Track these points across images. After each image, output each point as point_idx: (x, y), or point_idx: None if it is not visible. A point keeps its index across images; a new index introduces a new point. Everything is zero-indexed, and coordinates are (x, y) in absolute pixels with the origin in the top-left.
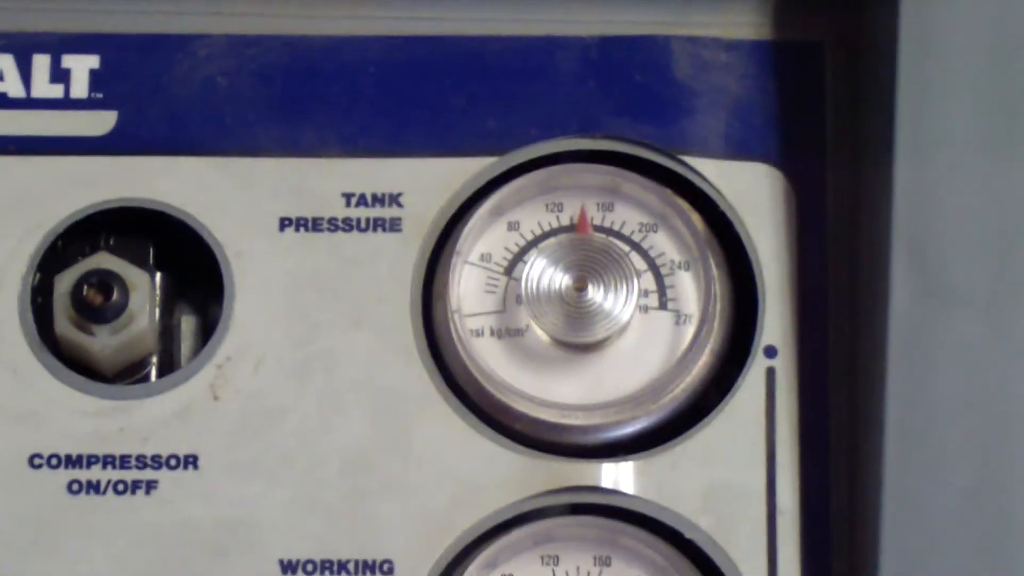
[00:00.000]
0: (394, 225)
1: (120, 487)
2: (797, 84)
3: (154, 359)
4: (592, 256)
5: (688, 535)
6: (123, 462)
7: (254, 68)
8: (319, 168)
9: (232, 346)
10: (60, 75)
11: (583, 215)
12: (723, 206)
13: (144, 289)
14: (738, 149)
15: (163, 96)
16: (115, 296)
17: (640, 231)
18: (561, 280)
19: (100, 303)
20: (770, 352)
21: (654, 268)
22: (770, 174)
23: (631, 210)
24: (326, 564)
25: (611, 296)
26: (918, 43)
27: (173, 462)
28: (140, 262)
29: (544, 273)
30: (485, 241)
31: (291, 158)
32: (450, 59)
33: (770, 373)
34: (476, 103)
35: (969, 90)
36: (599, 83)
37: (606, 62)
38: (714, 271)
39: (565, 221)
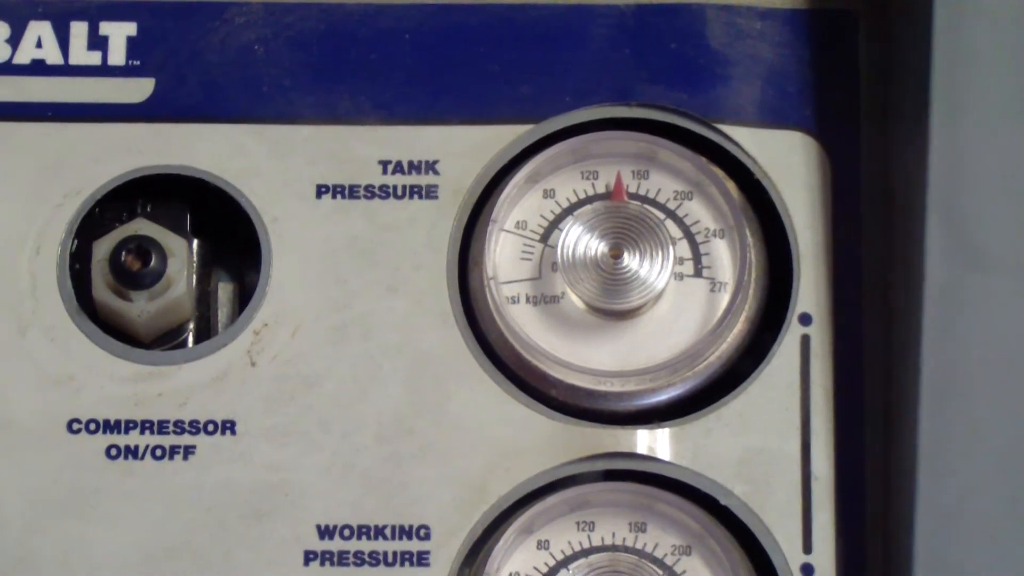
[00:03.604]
0: (430, 192)
1: (158, 452)
2: (831, 52)
3: (191, 325)
4: (627, 223)
5: (723, 501)
6: (161, 427)
7: (291, 35)
8: (356, 135)
9: (269, 312)
10: (98, 42)
11: (618, 182)
12: (758, 174)
13: (181, 255)
14: (773, 117)
15: (200, 63)
16: (153, 262)
17: (675, 199)
18: (597, 247)
19: (138, 269)
20: (805, 319)
21: (689, 236)
22: (805, 142)
23: (666, 178)
24: (363, 529)
25: (646, 263)
26: (952, 9)
27: (211, 427)
28: (177, 228)
29: (580, 240)
30: (521, 208)
31: (328, 125)
32: (486, 26)
33: (804, 340)
34: (512, 70)
35: (1004, 56)
36: (634, 51)
37: (641, 30)
38: (749, 239)
39: (600, 189)
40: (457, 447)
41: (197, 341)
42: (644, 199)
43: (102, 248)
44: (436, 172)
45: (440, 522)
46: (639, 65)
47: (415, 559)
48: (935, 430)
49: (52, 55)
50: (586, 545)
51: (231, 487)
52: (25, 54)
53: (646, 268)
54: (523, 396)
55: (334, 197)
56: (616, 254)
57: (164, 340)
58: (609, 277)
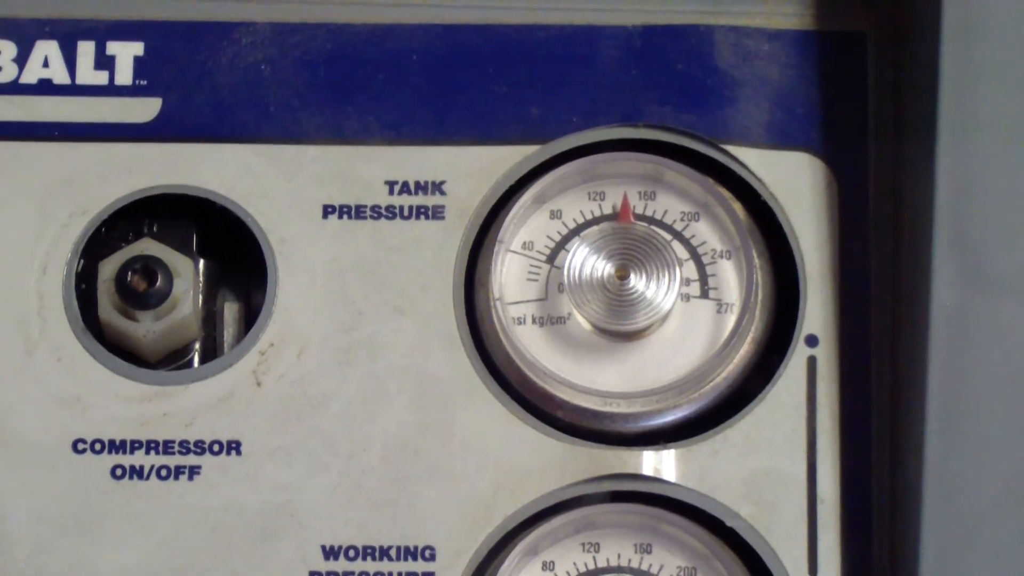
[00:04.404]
0: (437, 213)
1: (163, 472)
2: (839, 74)
3: (197, 345)
4: (634, 244)
5: (729, 523)
6: (166, 447)
7: (298, 56)
8: (363, 155)
9: (275, 333)
10: (105, 62)
11: (625, 203)
12: (765, 195)
13: (188, 275)
14: (780, 138)
15: (207, 83)
16: (159, 282)
17: (682, 220)
18: (603, 268)
19: (144, 289)
20: (811, 341)
21: (696, 257)
22: (812, 163)
23: (673, 199)
24: (368, 550)
25: (653, 284)
26: (961, 32)
27: (216, 448)
28: (184, 248)
29: (586, 261)
30: (527, 229)
31: (335, 145)
32: (493, 47)
33: (811, 362)
34: (519, 91)
35: (1012, 79)
36: (642, 72)
37: (649, 51)
38: (756, 260)
39: (607, 209)
40: (463, 468)
41: (203, 361)
42: (651, 220)
43: (108, 268)
44: (443, 193)
45: (446, 543)
46: (646, 86)
47: None
48: (942, 453)
49: (59, 75)
50: (591, 566)
51: (237, 507)
52: (32, 73)
53: (652, 289)
54: (529, 417)
55: (340, 217)
56: (623, 275)
57: (170, 360)
58: (615, 298)
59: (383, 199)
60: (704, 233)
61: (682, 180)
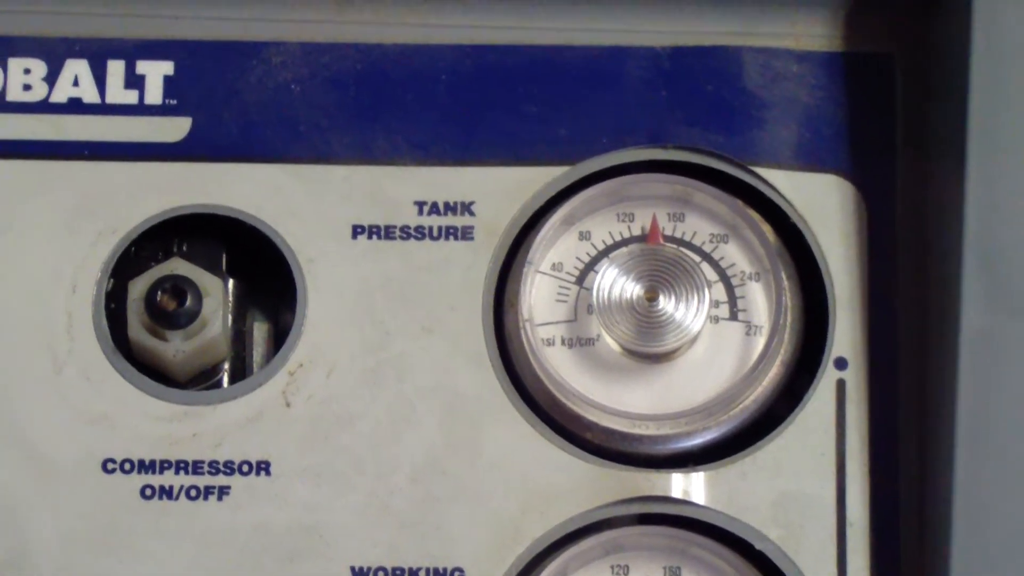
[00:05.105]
0: (466, 233)
1: (192, 492)
2: (868, 95)
3: (226, 365)
4: (663, 266)
5: (758, 546)
6: (195, 467)
7: (327, 75)
8: (392, 176)
9: (304, 353)
10: (135, 81)
11: (654, 225)
12: (794, 217)
13: (217, 295)
14: (809, 160)
15: (237, 103)
16: (188, 302)
17: (711, 242)
18: (632, 290)
19: (173, 308)
20: (840, 364)
21: (725, 279)
22: (841, 185)
23: (702, 220)
24: (397, 571)
25: (682, 306)
26: (990, 54)
27: (245, 468)
28: (213, 268)
29: (615, 283)
30: (557, 250)
31: (364, 165)
32: (522, 68)
33: (840, 385)
34: (548, 112)
35: None
36: (670, 93)
37: (677, 72)
38: (785, 282)
39: (636, 231)
40: (491, 489)
41: (232, 381)
42: (680, 242)
43: (138, 287)
44: (472, 213)
45: (474, 564)
46: (675, 107)
47: None
48: (971, 476)
49: (89, 94)
50: None
51: (265, 528)
52: (62, 92)
53: (681, 311)
54: (558, 439)
55: (370, 238)
56: (652, 297)
57: (199, 380)
58: (644, 320)
59: (412, 219)
60: (733, 255)
61: (711, 202)
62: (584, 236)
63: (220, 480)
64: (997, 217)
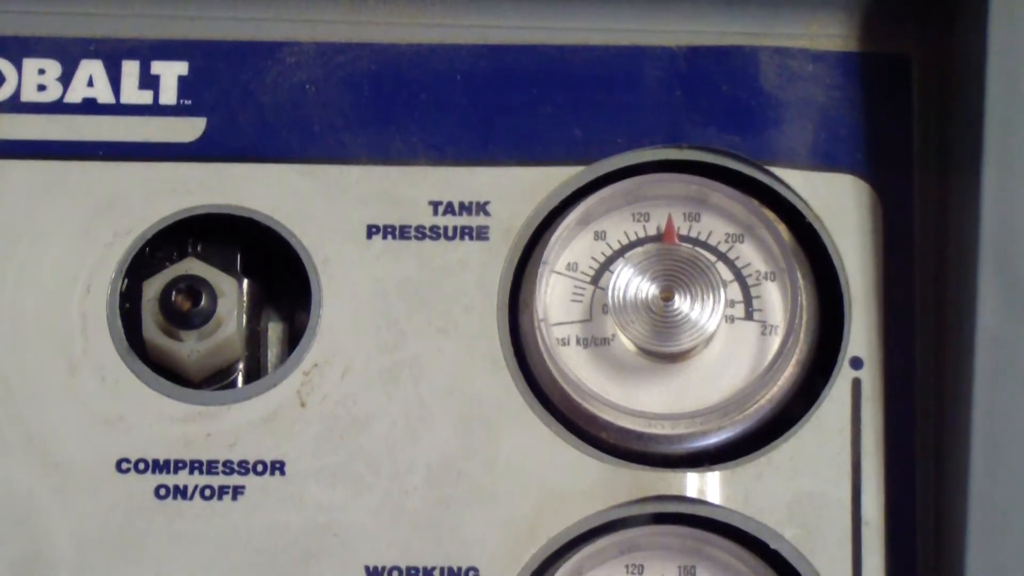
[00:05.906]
0: (481, 234)
1: (207, 492)
2: (884, 96)
3: (241, 365)
4: (678, 266)
5: (773, 545)
6: (210, 468)
7: (342, 76)
8: (407, 176)
9: (319, 353)
10: (149, 81)
11: (670, 225)
12: (809, 217)
13: (232, 295)
14: (825, 160)
15: (252, 103)
16: (203, 302)
17: (727, 241)
18: (648, 290)
19: (188, 309)
20: (856, 363)
21: (740, 278)
22: (856, 185)
23: (718, 220)
24: (412, 571)
25: (697, 306)
26: (1007, 54)
27: (260, 468)
28: (228, 268)
29: (631, 283)
30: (572, 250)
31: (379, 166)
32: (538, 68)
33: (856, 384)
34: (563, 112)
35: None
36: (686, 93)
37: (693, 72)
38: (800, 282)
39: (652, 231)
40: (506, 489)
41: (247, 381)
42: (695, 241)
43: (152, 287)
44: (487, 213)
45: (489, 564)
46: (691, 107)
47: None
48: (986, 475)
49: (104, 94)
50: None
51: (280, 528)
52: (77, 93)
53: (697, 311)
54: (573, 438)
55: (384, 238)
56: (667, 297)
57: (214, 380)
58: (660, 320)
59: (427, 219)
60: (748, 255)
61: (727, 201)
62: (599, 236)
63: (235, 480)
64: (1014, 218)
